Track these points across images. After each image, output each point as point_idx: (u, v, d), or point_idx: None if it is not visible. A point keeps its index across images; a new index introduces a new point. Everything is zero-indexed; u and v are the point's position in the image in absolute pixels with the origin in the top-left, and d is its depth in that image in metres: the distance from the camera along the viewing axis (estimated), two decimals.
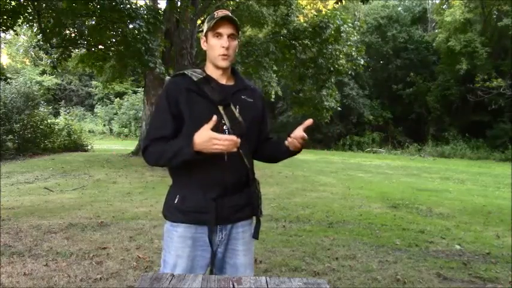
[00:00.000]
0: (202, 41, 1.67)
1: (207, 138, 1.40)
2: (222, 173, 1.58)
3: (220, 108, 1.58)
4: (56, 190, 7.33)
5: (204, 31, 1.64)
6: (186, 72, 1.67)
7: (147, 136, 1.61)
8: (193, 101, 1.59)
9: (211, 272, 1.65)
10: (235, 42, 1.61)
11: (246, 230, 1.71)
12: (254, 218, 1.74)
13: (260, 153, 1.79)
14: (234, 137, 1.42)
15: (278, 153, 1.75)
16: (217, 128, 1.55)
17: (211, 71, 1.66)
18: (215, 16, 1.59)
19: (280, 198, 6.89)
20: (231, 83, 1.68)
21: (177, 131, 1.58)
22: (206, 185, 1.59)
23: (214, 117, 1.42)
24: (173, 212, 1.65)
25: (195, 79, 1.61)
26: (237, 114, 1.60)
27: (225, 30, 1.58)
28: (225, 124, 1.58)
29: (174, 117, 1.58)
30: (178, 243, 1.63)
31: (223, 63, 1.61)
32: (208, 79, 1.62)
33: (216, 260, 1.69)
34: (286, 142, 1.64)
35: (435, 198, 7.30)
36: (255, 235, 1.72)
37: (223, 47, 1.58)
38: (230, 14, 1.60)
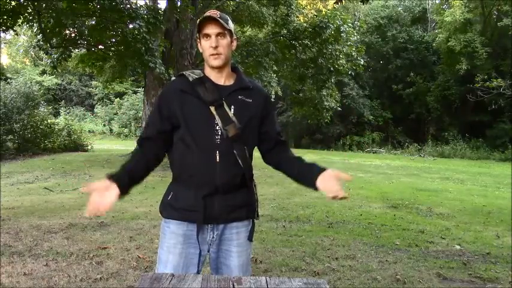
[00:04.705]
0: (198, 44, 1.70)
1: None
2: (213, 173, 1.57)
3: (212, 108, 1.59)
4: (56, 190, 7.33)
5: (196, 34, 1.67)
6: (184, 73, 1.69)
7: (141, 132, 1.72)
8: (185, 102, 1.61)
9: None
10: (225, 40, 1.61)
11: (240, 231, 1.68)
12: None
13: (271, 160, 1.76)
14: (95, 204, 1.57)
15: (303, 181, 1.68)
16: (210, 128, 1.58)
17: (208, 71, 1.67)
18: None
19: (280, 198, 6.88)
20: (230, 82, 1.68)
21: (168, 131, 1.64)
22: (197, 183, 1.59)
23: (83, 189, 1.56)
24: (166, 208, 1.67)
25: (191, 80, 1.63)
26: (231, 115, 1.59)
27: (212, 30, 1.59)
28: (217, 124, 1.58)
29: (165, 118, 1.63)
30: (170, 240, 1.64)
31: (215, 63, 1.61)
32: (203, 79, 1.64)
33: (211, 260, 1.70)
34: (322, 184, 1.57)
35: (435, 198, 7.30)
36: (249, 237, 1.70)
37: (211, 46, 1.59)
38: (216, 14, 1.60)
